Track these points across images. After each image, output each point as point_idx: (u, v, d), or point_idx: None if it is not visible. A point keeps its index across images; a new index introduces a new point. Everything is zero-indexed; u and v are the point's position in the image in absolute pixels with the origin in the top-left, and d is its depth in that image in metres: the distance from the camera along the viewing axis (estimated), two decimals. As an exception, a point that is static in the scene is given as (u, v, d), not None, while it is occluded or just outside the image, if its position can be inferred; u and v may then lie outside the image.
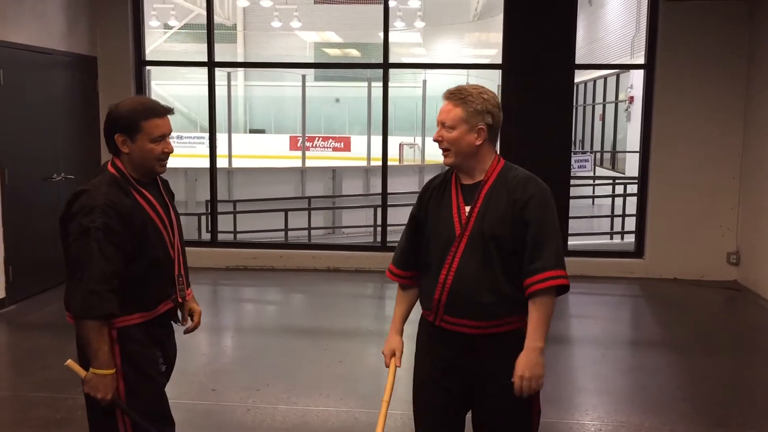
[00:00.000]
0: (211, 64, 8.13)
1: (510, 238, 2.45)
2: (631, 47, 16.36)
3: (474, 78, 21.66)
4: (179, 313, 2.79)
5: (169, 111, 2.59)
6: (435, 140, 2.55)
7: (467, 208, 2.51)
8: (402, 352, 2.71)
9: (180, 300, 2.72)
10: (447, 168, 2.63)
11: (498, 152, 2.61)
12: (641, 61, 13.82)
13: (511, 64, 7.67)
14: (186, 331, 2.86)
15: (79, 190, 2.52)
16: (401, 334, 2.74)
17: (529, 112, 7.49)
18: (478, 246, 2.46)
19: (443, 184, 2.62)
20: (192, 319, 2.86)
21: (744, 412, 4.45)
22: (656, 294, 7.24)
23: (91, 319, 2.41)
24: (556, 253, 2.44)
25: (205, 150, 22.70)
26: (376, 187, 13.95)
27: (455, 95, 2.50)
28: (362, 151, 21.31)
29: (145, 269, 2.56)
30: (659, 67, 7.54)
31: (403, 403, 4.34)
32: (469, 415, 2.64)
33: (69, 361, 2.54)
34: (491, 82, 21.42)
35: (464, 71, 21.03)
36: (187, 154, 20.85)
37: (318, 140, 23.91)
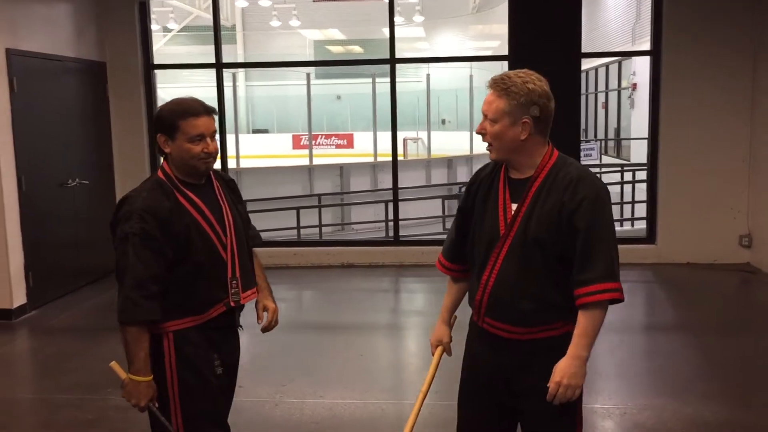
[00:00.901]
0: (219, 66, 8.18)
1: (556, 244, 2.28)
2: (632, 34, 16.37)
3: (477, 70, 21.71)
4: (238, 317, 2.71)
5: (209, 111, 2.56)
6: (478, 132, 2.37)
7: (514, 206, 2.35)
8: (449, 341, 2.66)
9: (233, 304, 2.62)
10: None
11: (551, 145, 2.40)
12: (643, 47, 13.90)
13: (516, 55, 7.70)
14: (262, 330, 2.82)
15: (124, 196, 2.56)
16: (448, 324, 2.67)
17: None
18: (521, 249, 2.32)
19: (492, 175, 2.46)
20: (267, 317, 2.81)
21: (765, 393, 4.50)
22: (670, 279, 7.28)
23: (128, 325, 2.44)
24: (608, 263, 2.25)
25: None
26: (384, 182, 14.01)
27: (498, 84, 2.29)
28: (365, 147, 21.35)
29: (189, 273, 2.53)
30: (665, 53, 7.57)
31: (432, 394, 4.42)
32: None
33: (113, 363, 2.56)
34: (493, 73, 21.51)
35: (467, 64, 21.07)
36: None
37: (321, 138, 23.98)
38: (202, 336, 2.58)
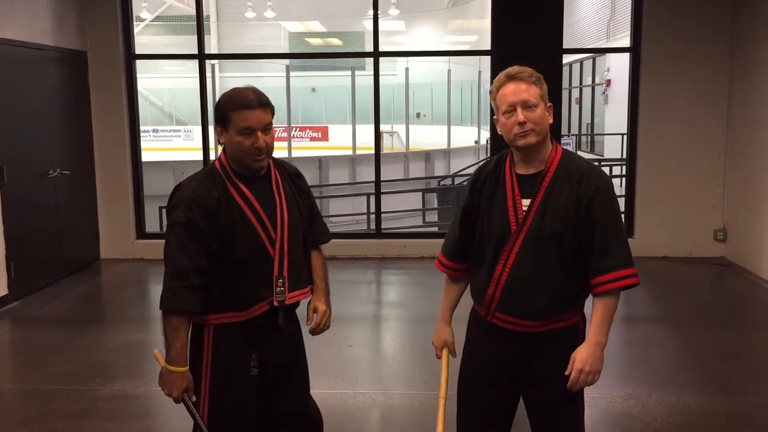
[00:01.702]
0: (201, 57, 8.14)
1: (573, 236, 2.33)
2: (607, 31, 16.59)
3: (454, 64, 21.82)
4: (282, 317, 2.56)
5: (263, 103, 2.44)
6: (519, 122, 2.32)
7: (525, 202, 2.37)
8: (454, 342, 2.67)
9: (276, 303, 2.51)
10: (499, 153, 2.50)
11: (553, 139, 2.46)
12: (618, 44, 14.08)
13: (499, 50, 7.77)
14: (310, 332, 2.69)
15: (177, 184, 2.52)
16: (450, 324, 2.67)
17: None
18: (536, 244, 2.34)
19: (496, 172, 2.46)
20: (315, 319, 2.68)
21: (744, 381, 4.64)
22: (647, 272, 7.41)
23: (167, 314, 2.42)
24: (627, 250, 2.34)
25: (183, 143, 22.55)
26: (362, 175, 14.05)
27: (525, 73, 2.35)
28: (340, 140, 21.34)
29: (232, 268, 2.47)
30: (644, 50, 7.70)
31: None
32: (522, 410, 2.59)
33: (156, 351, 2.56)
34: (472, 68, 21.63)
35: (445, 58, 21.20)
36: (165, 147, 20.75)
37: (296, 130, 23.93)
38: (243, 334, 2.51)
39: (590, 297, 2.43)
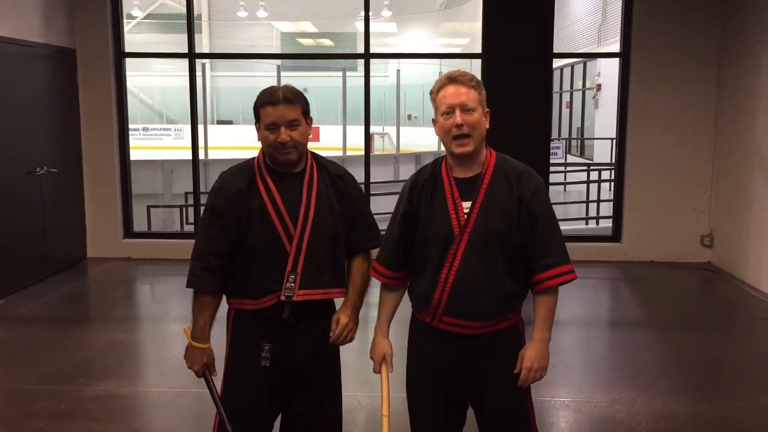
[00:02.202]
0: (191, 56, 8.11)
1: (516, 235, 2.39)
2: (598, 36, 16.66)
3: (446, 67, 21.81)
4: (288, 311, 2.54)
5: (289, 99, 2.51)
6: (456, 125, 2.35)
7: (465, 204, 2.40)
8: (392, 354, 2.63)
9: (283, 297, 2.51)
10: (434, 159, 2.53)
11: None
12: (609, 49, 14.15)
13: (490, 53, 7.79)
14: (331, 342, 2.65)
15: (233, 166, 2.68)
16: (388, 337, 2.64)
17: (510, 101, 7.63)
18: (480, 244, 2.38)
19: (432, 177, 2.48)
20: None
21: (729, 386, 4.66)
22: (635, 277, 7.47)
23: (195, 293, 2.58)
24: (563, 247, 2.44)
25: (173, 142, 22.52)
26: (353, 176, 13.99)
27: (466, 77, 2.39)
28: (331, 140, 21.30)
29: (246, 256, 2.55)
30: (634, 56, 7.74)
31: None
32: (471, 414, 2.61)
33: (185, 327, 2.63)
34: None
35: (436, 60, 21.19)
36: (155, 146, 20.67)
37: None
38: (259, 323, 2.58)
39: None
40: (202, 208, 2.67)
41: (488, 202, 2.39)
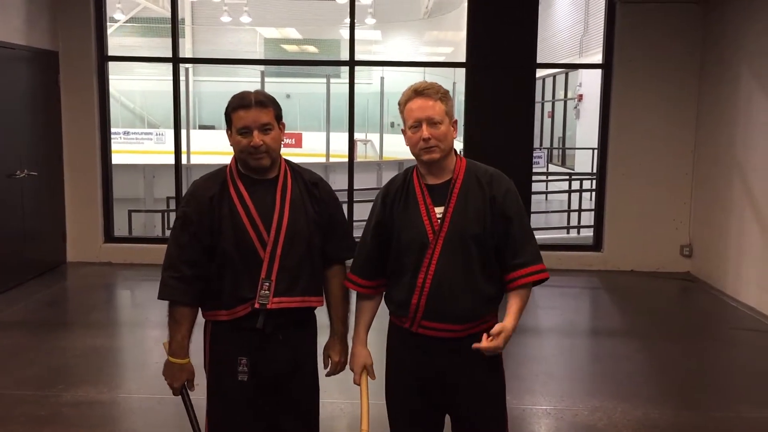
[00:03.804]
0: (175, 60, 8.08)
1: (491, 236, 2.43)
2: (580, 47, 16.80)
3: (429, 75, 21.88)
4: (262, 320, 2.50)
5: (261, 103, 2.48)
6: (423, 138, 2.40)
7: (438, 210, 2.44)
8: (372, 363, 2.64)
9: (257, 305, 2.47)
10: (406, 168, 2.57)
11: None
12: (590, 60, 14.27)
13: (474, 63, 7.83)
14: (326, 376, 2.74)
15: (207, 173, 2.63)
16: (366, 346, 2.64)
17: (493, 109, 7.69)
18: (456, 247, 2.41)
19: (404, 185, 2.52)
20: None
21: (709, 395, 4.71)
22: (615, 286, 7.52)
23: (169, 306, 2.51)
24: (536, 246, 2.49)
25: (154, 146, 22.36)
26: (335, 183, 13.98)
27: (432, 89, 2.44)
28: (313, 147, 21.28)
29: (218, 263, 2.50)
30: (616, 67, 7.82)
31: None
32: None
33: (164, 342, 2.59)
34: (447, 79, 21.71)
35: (420, 69, 21.22)
36: (136, 150, 20.52)
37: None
38: (234, 335, 2.52)
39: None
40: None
41: (461, 205, 2.44)
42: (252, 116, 2.46)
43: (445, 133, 2.42)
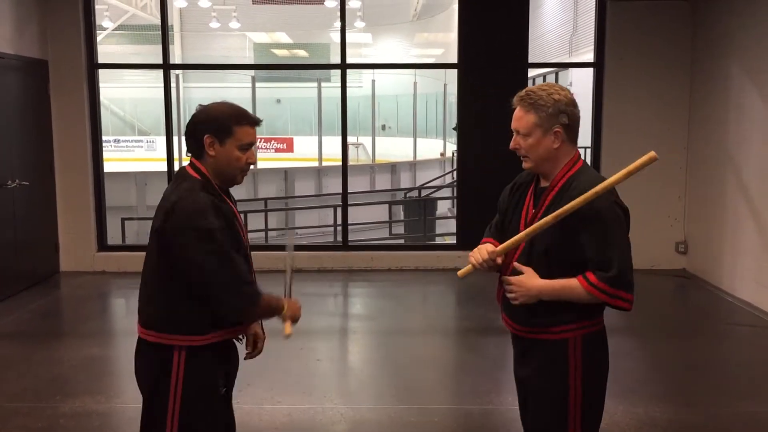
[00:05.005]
0: (166, 66, 8.04)
1: (562, 251, 2.37)
2: (569, 46, 16.82)
3: (420, 77, 21.92)
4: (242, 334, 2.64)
5: (259, 121, 2.51)
6: (512, 148, 2.45)
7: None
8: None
9: None
10: None
11: (576, 153, 2.48)
12: (580, 59, 14.29)
13: (465, 63, 7.83)
14: (246, 357, 2.74)
15: (173, 200, 2.37)
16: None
17: (487, 110, 7.68)
18: (528, 255, 2.42)
19: (528, 181, 2.56)
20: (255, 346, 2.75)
21: (709, 392, 4.70)
22: (611, 284, 7.50)
23: (255, 306, 2.47)
24: (620, 272, 2.36)
25: (145, 153, 22.27)
26: (328, 187, 14.00)
27: (525, 100, 2.40)
28: (305, 151, 21.27)
29: None
30: (608, 65, 7.83)
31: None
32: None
33: (286, 328, 2.61)
34: (437, 80, 21.76)
35: (411, 71, 21.27)
36: (127, 158, 20.45)
37: (260, 142, 23.75)
38: (215, 352, 2.49)
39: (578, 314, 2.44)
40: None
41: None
42: (255, 134, 2.49)
43: (533, 144, 2.40)
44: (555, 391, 2.47)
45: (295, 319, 2.60)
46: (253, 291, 2.45)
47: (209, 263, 2.33)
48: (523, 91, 2.44)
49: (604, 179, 2.42)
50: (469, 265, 2.49)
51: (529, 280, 2.38)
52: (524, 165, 2.47)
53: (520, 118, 2.41)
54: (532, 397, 2.55)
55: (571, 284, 2.35)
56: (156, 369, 2.46)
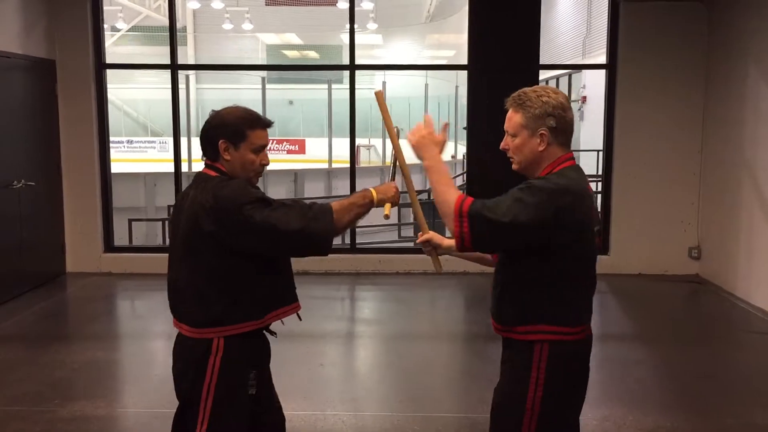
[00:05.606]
0: (174, 67, 8.00)
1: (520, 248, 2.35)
2: (583, 48, 16.69)
3: (431, 79, 21.84)
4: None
5: (271, 124, 2.56)
6: (502, 149, 2.46)
7: None
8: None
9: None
10: None
11: (563, 156, 2.38)
12: (594, 61, 14.16)
13: (476, 65, 7.74)
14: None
15: (210, 197, 2.38)
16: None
17: (496, 112, 7.56)
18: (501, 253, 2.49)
19: None
20: None
21: (722, 401, 4.58)
22: (623, 289, 7.39)
23: (333, 213, 2.45)
24: (486, 206, 2.32)
25: (158, 154, 22.40)
26: (338, 189, 13.93)
27: (515, 100, 2.40)
28: (317, 153, 21.23)
29: (268, 265, 2.56)
30: (620, 67, 7.71)
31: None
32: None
33: (386, 209, 2.60)
34: (449, 82, 21.67)
35: (423, 72, 21.18)
36: (140, 159, 20.49)
37: (272, 143, 23.71)
38: (248, 348, 2.52)
39: (552, 319, 2.37)
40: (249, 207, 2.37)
41: None
42: (267, 136, 2.54)
43: (519, 145, 2.39)
44: (512, 397, 2.39)
45: (391, 201, 2.59)
46: (321, 206, 2.45)
47: (277, 218, 2.35)
48: (516, 92, 2.42)
49: (551, 179, 2.31)
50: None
51: (430, 135, 2.51)
52: (513, 166, 2.46)
53: (510, 119, 2.42)
54: (494, 397, 2.49)
55: (446, 176, 2.45)
56: (195, 364, 2.49)
